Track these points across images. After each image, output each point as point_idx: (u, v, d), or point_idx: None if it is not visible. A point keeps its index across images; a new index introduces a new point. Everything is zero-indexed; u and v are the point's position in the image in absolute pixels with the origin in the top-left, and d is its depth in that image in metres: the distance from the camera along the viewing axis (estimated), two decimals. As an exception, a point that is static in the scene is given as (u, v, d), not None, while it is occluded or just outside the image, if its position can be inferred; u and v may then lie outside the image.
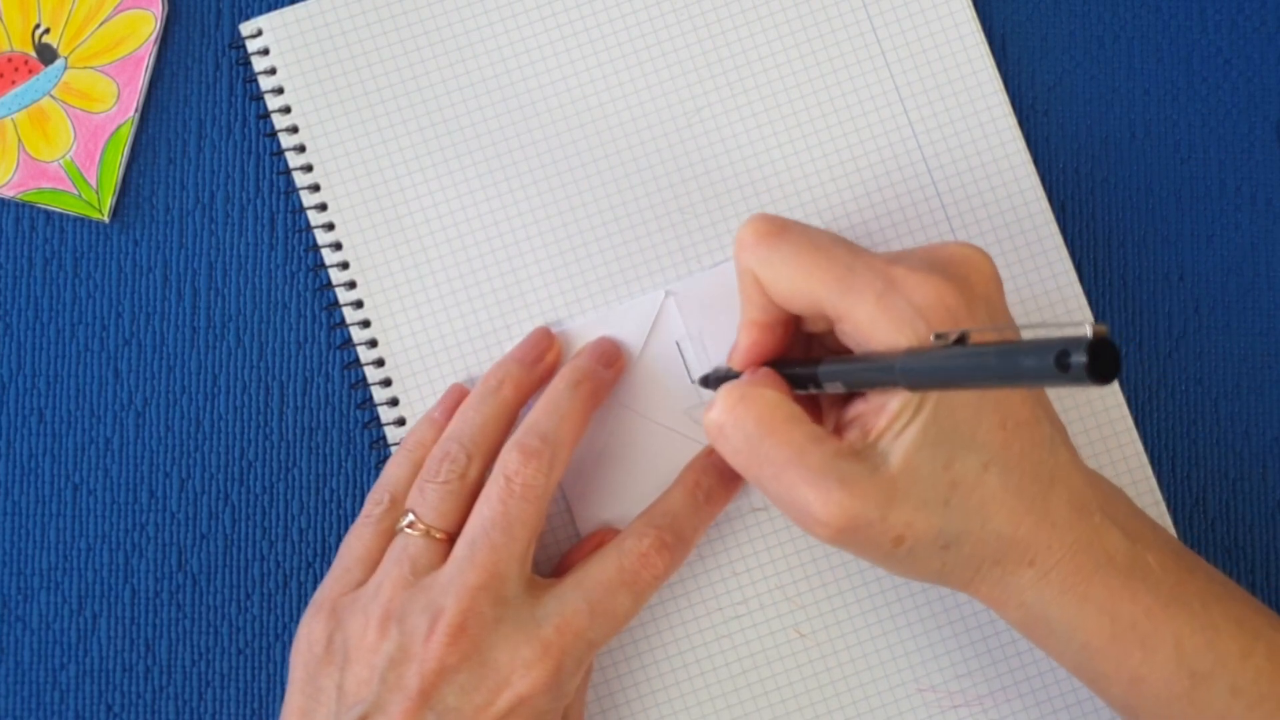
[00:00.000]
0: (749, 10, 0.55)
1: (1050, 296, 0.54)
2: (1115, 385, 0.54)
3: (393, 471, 0.51)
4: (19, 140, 0.55)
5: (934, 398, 0.43)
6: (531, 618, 0.47)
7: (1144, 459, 0.54)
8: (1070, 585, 0.45)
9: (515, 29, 0.55)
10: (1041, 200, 0.55)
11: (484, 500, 0.48)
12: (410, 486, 0.50)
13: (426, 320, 0.54)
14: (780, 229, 0.46)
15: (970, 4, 0.55)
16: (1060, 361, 0.35)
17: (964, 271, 0.45)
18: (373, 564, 0.50)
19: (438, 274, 0.54)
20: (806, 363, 0.47)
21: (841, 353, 0.47)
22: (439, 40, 0.55)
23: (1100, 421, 0.54)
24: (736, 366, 0.49)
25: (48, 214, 0.55)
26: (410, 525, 0.49)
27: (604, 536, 0.52)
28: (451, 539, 0.49)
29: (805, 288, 0.45)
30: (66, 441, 0.55)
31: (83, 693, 0.54)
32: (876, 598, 0.53)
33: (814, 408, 0.49)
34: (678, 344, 0.53)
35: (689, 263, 0.54)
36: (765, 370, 0.48)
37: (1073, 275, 0.55)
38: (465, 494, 0.49)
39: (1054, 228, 0.55)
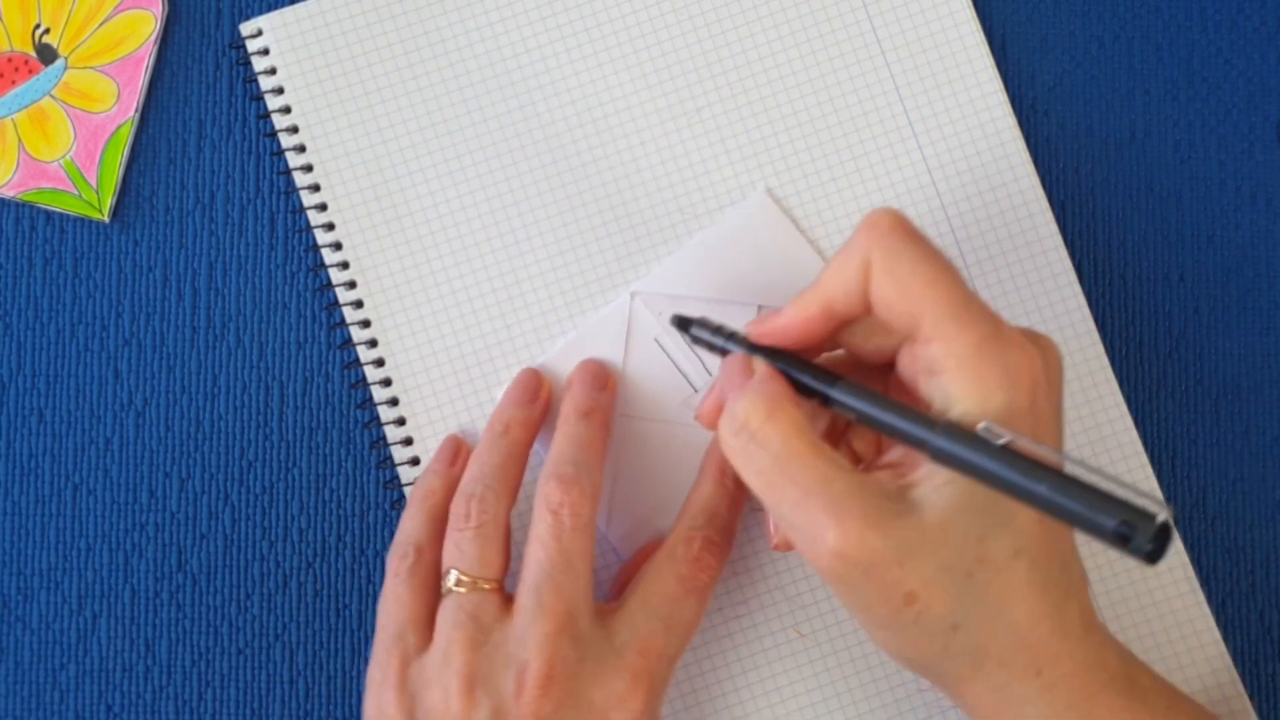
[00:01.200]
0: (749, 10, 0.55)
1: (1050, 296, 0.54)
2: (1115, 385, 0.54)
3: (408, 525, 0.51)
4: (19, 140, 0.55)
5: None
6: (611, 649, 0.47)
7: (1144, 459, 0.54)
8: (1074, 702, 0.43)
9: (515, 30, 0.55)
10: (1041, 200, 0.55)
11: (536, 543, 0.48)
12: (429, 535, 0.50)
13: (426, 320, 0.54)
14: (916, 231, 0.43)
15: (970, 4, 0.55)
16: (1119, 532, 0.35)
17: (1047, 356, 0.44)
18: (420, 624, 0.49)
19: (438, 274, 0.54)
20: (823, 373, 0.44)
21: (871, 366, 0.46)
22: (439, 40, 0.55)
23: (1100, 421, 0.54)
24: (760, 337, 0.46)
25: (48, 214, 0.55)
26: (457, 584, 0.48)
27: (652, 550, 0.51)
28: (500, 585, 0.49)
29: (919, 297, 0.42)
30: (66, 441, 0.55)
31: (83, 693, 0.54)
32: (876, 598, 0.53)
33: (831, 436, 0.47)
34: (657, 341, 0.53)
35: (689, 263, 0.54)
36: (769, 372, 0.45)
37: (1072, 275, 0.55)
38: (500, 537, 0.49)
39: (1054, 228, 0.55)
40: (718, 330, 0.48)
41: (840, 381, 0.44)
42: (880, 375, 0.47)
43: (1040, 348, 0.44)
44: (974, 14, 0.55)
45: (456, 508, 0.49)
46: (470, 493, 0.49)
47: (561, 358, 0.53)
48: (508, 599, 0.48)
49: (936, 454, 0.40)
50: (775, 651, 0.53)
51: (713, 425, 0.46)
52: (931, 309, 0.42)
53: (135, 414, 0.55)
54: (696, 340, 0.49)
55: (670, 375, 0.53)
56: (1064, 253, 0.55)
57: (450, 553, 0.49)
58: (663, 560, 0.49)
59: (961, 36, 0.55)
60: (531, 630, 0.47)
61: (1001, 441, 0.39)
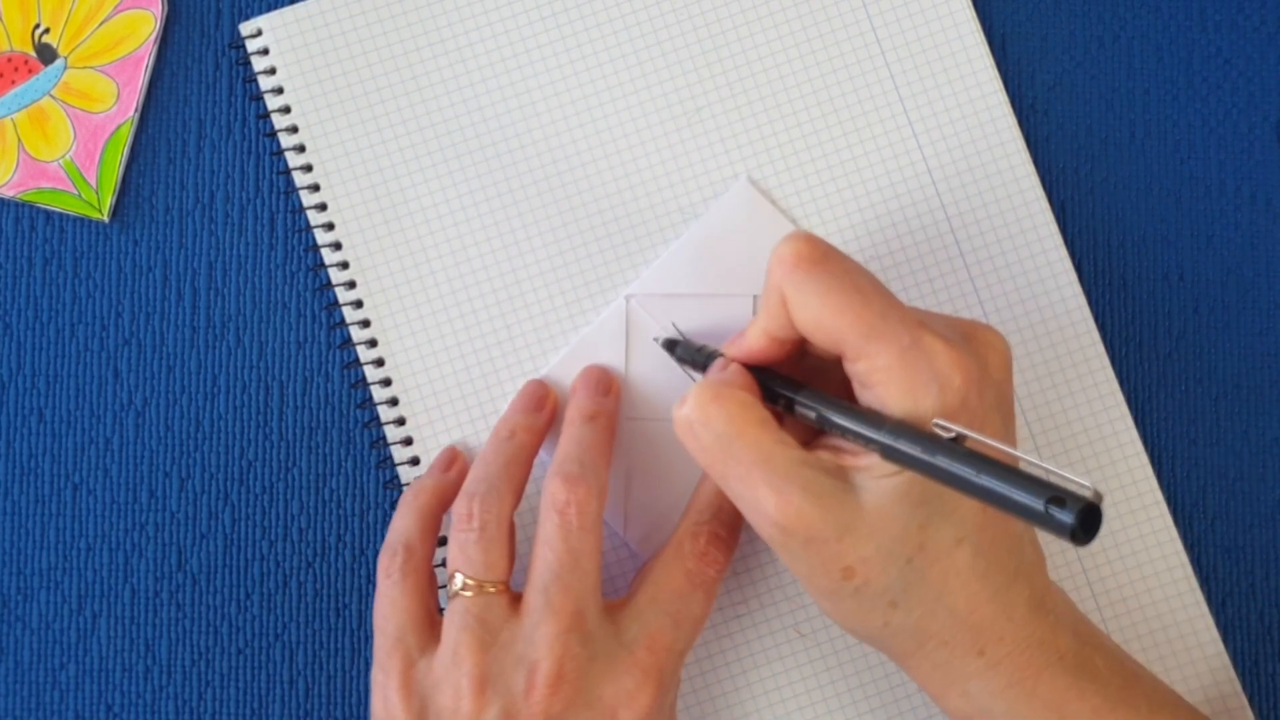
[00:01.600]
0: (749, 10, 0.55)
1: (1050, 296, 0.54)
2: (1115, 385, 0.54)
3: (398, 524, 0.51)
4: (19, 140, 0.55)
5: None
6: (620, 645, 0.47)
7: (1144, 459, 0.54)
8: (1018, 679, 0.45)
9: (515, 30, 0.55)
10: (1041, 200, 0.55)
11: (543, 543, 0.48)
12: (419, 534, 0.50)
13: (426, 320, 0.54)
14: (821, 257, 0.45)
15: (970, 4, 0.55)
16: (1048, 511, 0.36)
17: (983, 352, 0.45)
18: (418, 625, 0.49)
19: (438, 274, 0.54)
20: (787, 382, 0.47)
21: (833, 379, 0.47)
22: (439, 40, 0.55)
23: (1100, 421, 0.54)
24: (731, 356, 0.48)
25: (48, 214, 0.55)
26: (463, 587, 0.48)
27: None
28: (506, 585, 0.49)
29: (833, 325, 0.44)
30: (66, 441, 0.55)
31: (83, 693, 0.54)
32: (876, 598, 0.53)
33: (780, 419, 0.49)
34: (654, 340, 0.53)
35: (689, 263, 0.54)
36: (738, 368, 0.47)
37: (1072, 275, 0.55)
38: (504, 538, 0.49)
39: (1054, 228, 0.55)
40: (699, 350, 0.50)
41: (803, 389, 0.46)
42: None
43: (978, 344, 0.45)
44: (974, 14, 0.55)
45: (459, 508, 0.49)
46: (473, 492, 0.49)
47: (563, 367, 0.53)
48: (515, 598, 0.48)
49: (884, 451, 0.42)
50: (775, 651, 0.53)
51: None
52: (848, 333, 0.44)
53: (135, 414, 0.55)
54: (681, 360, 0.52)
55: (674, 374, 0.53)
56: (1064, 253, 0.55)
57: (455, 555, 0.49)
58: (670, 556, 0.50)
59: (961, 36, 0.55)
60: (540, 630, 0.47)
61: (950, 435, 0.41)
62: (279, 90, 0.55)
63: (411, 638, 0.48)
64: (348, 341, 0.55)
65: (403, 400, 0.54)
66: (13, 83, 0.55)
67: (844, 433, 0.44)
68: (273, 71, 0.55)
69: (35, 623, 0.54)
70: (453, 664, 0.47)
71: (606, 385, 0.53)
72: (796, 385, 0.46)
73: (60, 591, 0.54)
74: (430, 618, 0.49)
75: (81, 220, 0.55)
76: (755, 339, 0.47)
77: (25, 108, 0.55)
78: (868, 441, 0.43)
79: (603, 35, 0.55)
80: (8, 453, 0.55)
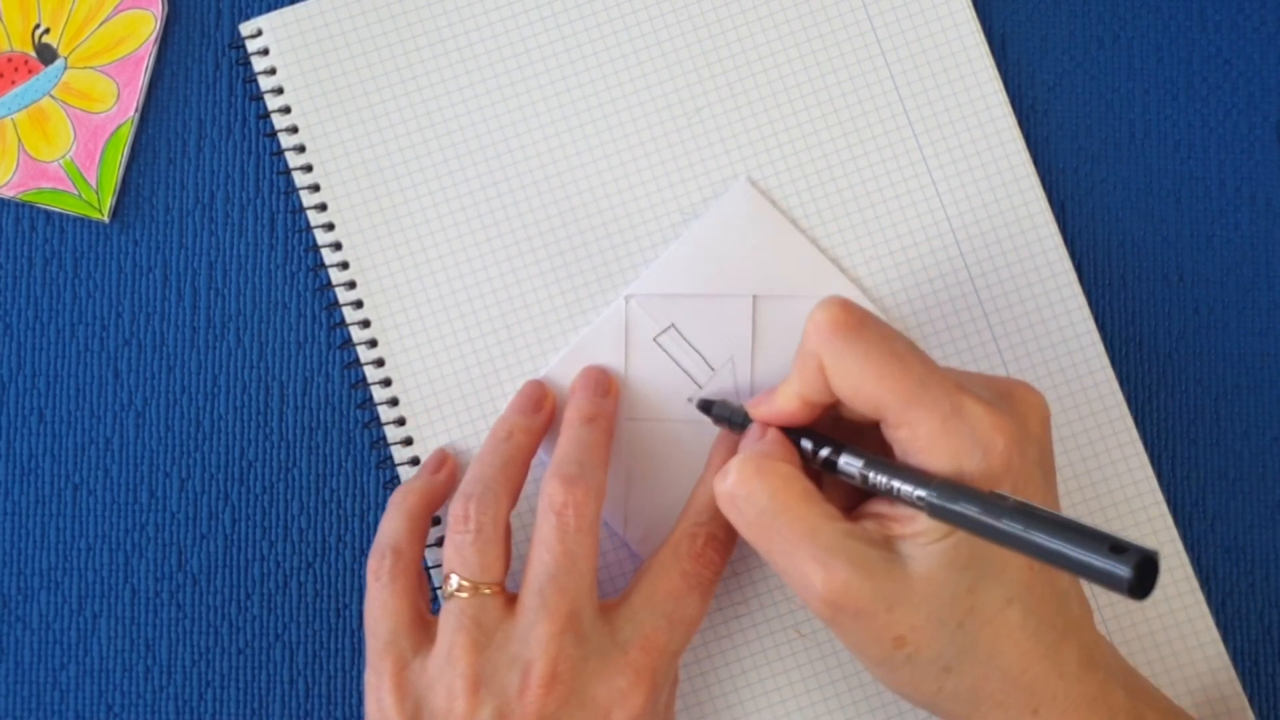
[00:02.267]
0: (749, 10, 0.55)
1: (1050, 297, 0.54)
2: (1115, 385, 0.54)
3: (386, 527, 0.51)
4: (19, 140, 0.55)
5: None
6: (614, 645, 0.47)
7: (1144, 459, 0.54)
8: None
9: (515, 29, 0.55)
10: (1041, 200, 0.55)
11: (540, 545, 0.48)
12: (408, 536, 0.50)
13: (426, 320, 0.54)
14: (859, 323, 0.45)
15: (970, 4, 0.55)
16: (1109, 561, 0.36)
17: (1022, 410, 0.45)
18: (410, 627, 0.49)
19: (437, 274, 0.54)
20: (827, 441, 0.46)
21: (866, 442, 0.47)
22: (439, 40, 0.55)
23: (1100, 421, 0.54)
24: (758, 418, 0.48)
25: (48, 214, 0.55)
26: (459, 589, 0.48)
27: None
28: (501, 586, 0.49)
29: (873, 392, 0.44)
30: (66, 441, 0.55)
31: (83, 693, 0.54)
32: (876, 598, 0.53)
33: (818, 480, 0.49)
34: (656, 341, 0.53)
35: (689, 263, 0.54)
36: (777, 435, 0.47)
37: (1072, 275, 0.55)
38: (499, 540, 0.49)
39: (1054, 228, 0.55)
40: (736, 410, 0.50)
41: (846, 448, 0.46)
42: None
43: (1017, 403, 0.45)
44: (974, 14, 0.55)
45: (455, 509, 0.49)
46: (469, 494, 0.49)
47: (563, 367, 0.53)
48: (510, 599, 0.48)
49: (933, 510, 0.42)
50: (775, 651, 0.53)
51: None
52: (889, 400, 0.44)
53: (135, 414, 0.55)
54: (718, 420, 0.51)
55: (673, 374, 0.53)
56: (1064, 253, 0.55)
57: (450, 557, 0.49)
58: (666, 556, 0.49)
59: (961, 36, 0.55)
60: (535, 630, 0.47)
61: (1010, 504, 0.41)
62: (279, 90, 0.55)
63: (404, 640, 0.48)
64: (348, 341, 0.55)
65: (403, 400, 0.54)
66: (13, 83, 0.55)
67: (889, 493, 0.44)
68: (273, 71, 0.55)
69: (35, 623, 0.54)
70: (447, 664, 0.47)
71: (605, 386, 0.53)
72: (839, 445, 0.46)
73: (60, 591, 0.54)
74: (421, 619, 0.49)
75: (81, 220, 0.55)
76: (788, 402, 0.47)
77: (25, 108, 0.55)
78: (916, 500, 0.43)
79: (603, 35, 0.55)
80: (8, 453, 0.55)
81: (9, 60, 0.55)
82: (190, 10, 0.56)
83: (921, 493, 0.42)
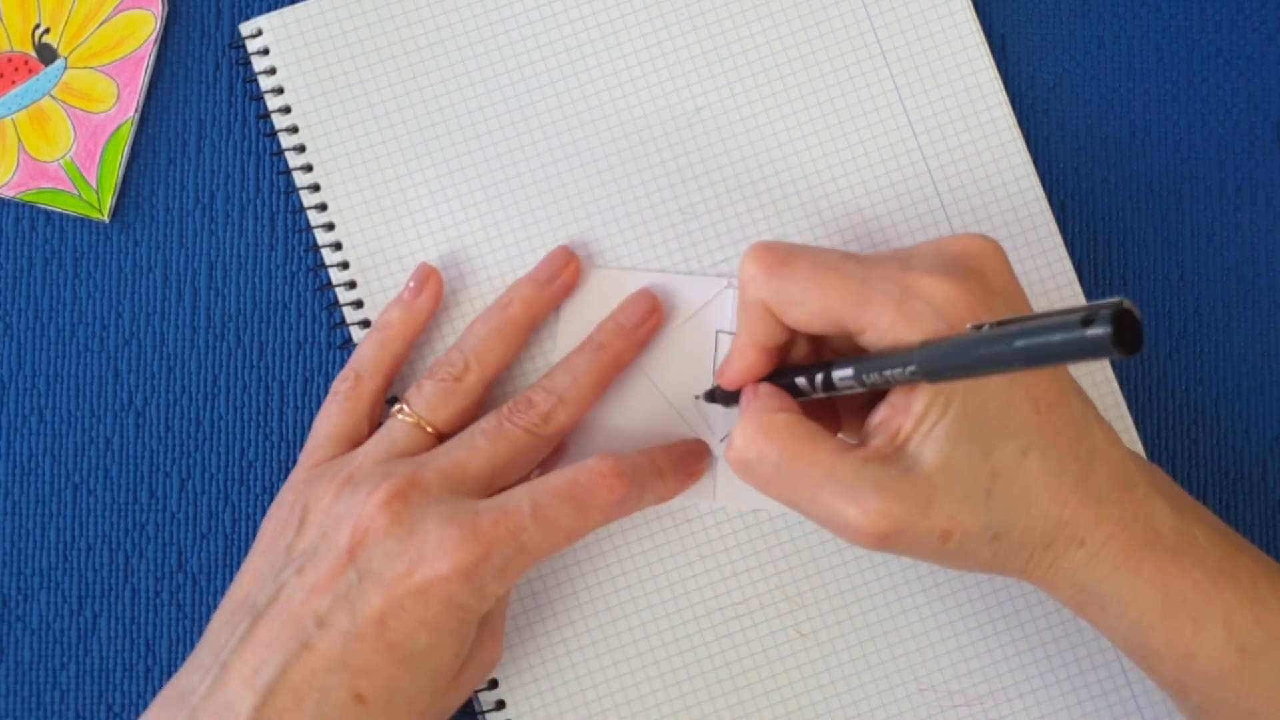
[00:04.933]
0: (749, 10, 0.55)
1: (1050, 296, 0.54)
2: (1115, 385, 0.54)
3: (360, 351, 0.52)
4: (19, 140, 0.55)
5: (961, 392, 0.43)
6: (473, 508, 0.47)
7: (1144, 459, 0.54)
8: (1122, 561, 0.45)
9: (515, 29, 0.55)
10: (1041, 200, 0.55)
11: (488, 423, 0.50)
12: (374, 364, 0.52)
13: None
14: (786, 255, 0.45)
15: (970, 4, 0.55)
16: (1085, 328, 0.34)
17: (978, 265, 0.45)
18: (342, 440, 0.51)
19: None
20: (815, 369, 0.46)
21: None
22: (439, 40, 0.55)
23: (1100, 421, 0.54)
24: (729, 386, 0.49)
25: (48, 214, 0.55)
26: (399, 413, 0.50)
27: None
28: (440, 436, 0.50)
29: (823, 309, 0.44)
30: (66, 441, 0.55)
31: (83, 693, 0.54)
32: (877, 598, 0.53)
33: (831, 421, 0.48)
34: (717, 334, 0.54)
35: (689, 263, 0.54)
36: (769, 388, 0.47)
37: (1072, 275, 0.55)
38: (460, 396, 0.50)
39: (1054, 228, 0.55)
40: (714, 389, 0.51)
41: (832, 365, 0.46)
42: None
43: (970, 259, 0.45)
44: (974, 14, 0.55)
45: (435, 367, 0.51)
46: (448, 357, 0.51)
47: (637, 282, 0.54)
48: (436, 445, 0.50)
49: (924, 367, 0.41)
50: (775, 651, 0.53)
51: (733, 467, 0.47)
52: (842, 309, 0.44)
53: (135, 414, 0.55)
54: (714, 401, 0.52)
55: (702, 369, 0.53)
56: (1064, 253, 0.55)
57: (410, 391, 0.51)
58: (573, 465, 0.49)
59: (961, 36, 0.55)
60: (423, 460, 0.48)
61: (971, 326, 0.40)
62: (279, 90, 0.55)
63: (330, 446, 0.51)
64: (348, 342, 0.55)
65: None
66: (13, 83, 0.55)
67: (887, 383, 0.43)
68: (273, 71, 0.55)
69: (35, 623, 0.54)
70: (344, 465, 0.49)
71: (646, 313, 0.53)
72: (826, 364, 0.46)
73: (60, 591, 0.54)
74: (358, 439, 0.51)
75: (81, 220, 0.55)
76: (747, 355, 0.47)
77: (25, 108, 0.55)
78: (909, 376, 0.42)
79: (601, 35, 0.55)
80: (8, 453, 0.55)
81: (9, 60, 0.55)
82: (190, 10, 0.56)
83: (911, 368, 0.42)
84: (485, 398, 0.52)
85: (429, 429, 0.50)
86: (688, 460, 0.52)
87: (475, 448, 0.49)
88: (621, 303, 0.53)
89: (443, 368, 0.51)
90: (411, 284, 0.53)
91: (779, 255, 0.45)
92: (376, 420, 0.52)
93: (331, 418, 0.51)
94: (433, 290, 0.53)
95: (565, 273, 0.53)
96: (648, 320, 0.53)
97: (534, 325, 0.52)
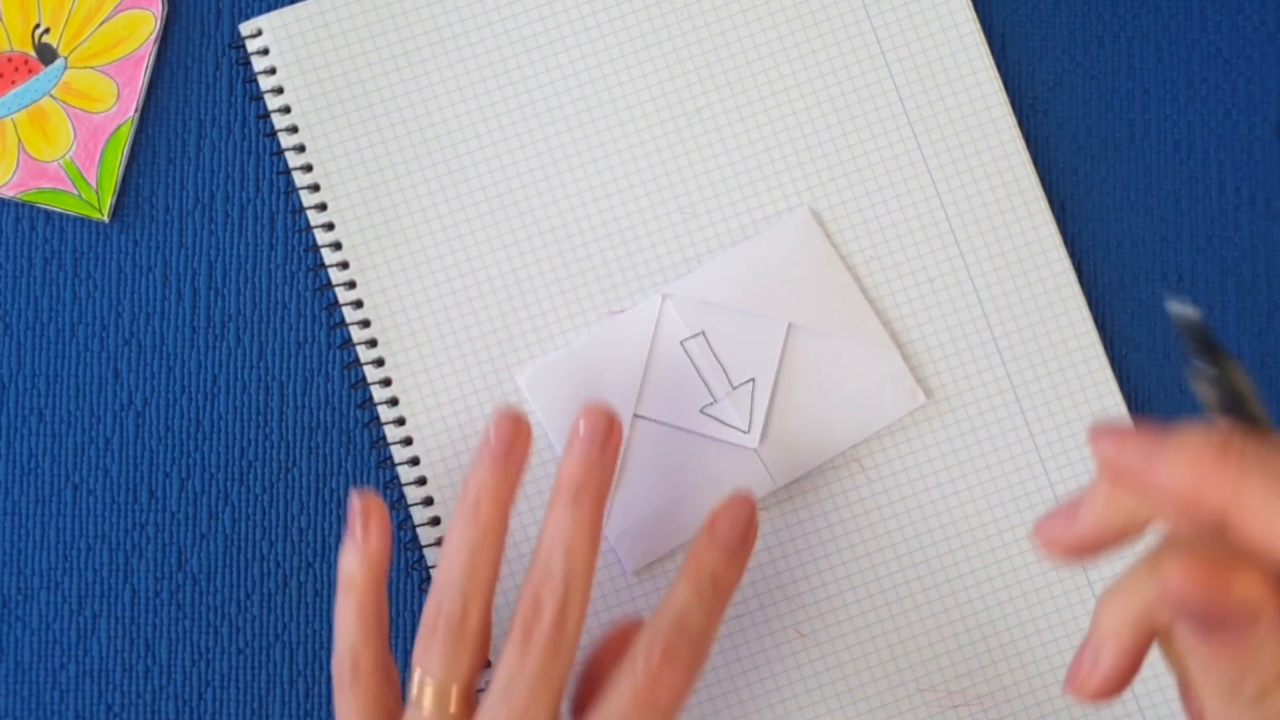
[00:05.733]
0: (749, 10, 0.55)
1: (1050, 297, 0.54)
2: (1115, 385, 0.54)
3: (340, 629, 0.48)
4: (19, 140, 0.55)
5: None
6: None
7: (1144, 459, 0.54)
8: None
9: (515, 29, 0.55)
10: (1041, 200, 0.55)
11: (510, 648, 0.46)
12: (361, 636, 0.47)
13: (426, 320, 0.54)
14: (1240, 443, 0.34)
15: (970, 4, 0.55)
16: None
17: None
18: None
19: (437, 274, 0.54)
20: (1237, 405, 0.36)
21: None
22: (439, 40, 0.55)
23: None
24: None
25: (48, 214, 0.55)
26: (421, 692, 0.46)
27: (627, 631, 0.48)
28: (471, 690, 0.46)
29: None
30: (66, 441, 0.55)
31: (83, 693, 0.54)
32: (876, 598, 0.53)
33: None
34: (683, 345, 0.53)
35: (689, 263, 0.54)
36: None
37: (1072, 275, 0.55)
38: (470, 639, 0.46)
39: (1054, 228, 0.55)
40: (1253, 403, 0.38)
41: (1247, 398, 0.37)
42: None
43: None
44: (974, 14, 0.55)
45: (427, 612, 0.46)
46: (439, 602, 0.46)
47: (586, 351, 0.53)
48: (474, 708, 0.46)
49: None
50: (775, 651, 0.53)
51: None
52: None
53: (135, 414, 0.55)
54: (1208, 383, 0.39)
55: (691, 382, 0.53)
56: (1064, 253, 0.55)
57: (419, 653, 0.46)
58: (624, 672, 0.45)
59: (961, 36, 0.55)
60: None
61: None
62: (279, 90, 0.55)
63: None
64: (348, 341, 0.55)
65: (403, 400, 0.54)
66: (13, 83, 0.55)
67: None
68: (273, 71, 0.55)
69: (35, 623, 0.54)
70: None
71: (605, 434, 0.47)
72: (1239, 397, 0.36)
73: (60, 591, 0.54)
74: (389, 716, 0.47)
75: (81, 220, 0.55)
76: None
77: (25, 108, 0.55)
78: None
79: (602, 35, 0.55)
80: (8, 453, 0.55)
81: (9, 60, 0.55)
82: (190, 10, 0.56)
83: None
84: (491, 619, 0.48)
85: (454, 705, 0.45)
86: (736, 533, 0.47)
87: (514, 698, 0.44)
88: (572, 429, 0.48)
89: (442, 618, 0.46)
90: (357, 523, 0.48)
91: (1228, 440, 0.34)
92: (392, 683, 0.48)
93: (351, 713, 0.47)
94: (379, 525, 0.48)
95: (519, 442, 0.47)
96: (610, 437, 0.47)
97: (507, 517, 0.47)
